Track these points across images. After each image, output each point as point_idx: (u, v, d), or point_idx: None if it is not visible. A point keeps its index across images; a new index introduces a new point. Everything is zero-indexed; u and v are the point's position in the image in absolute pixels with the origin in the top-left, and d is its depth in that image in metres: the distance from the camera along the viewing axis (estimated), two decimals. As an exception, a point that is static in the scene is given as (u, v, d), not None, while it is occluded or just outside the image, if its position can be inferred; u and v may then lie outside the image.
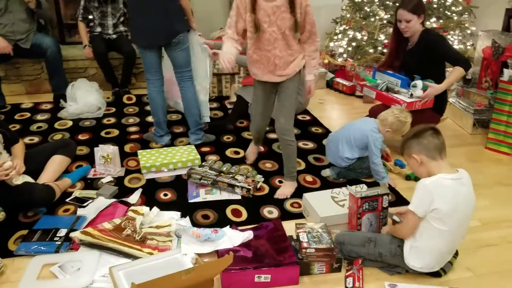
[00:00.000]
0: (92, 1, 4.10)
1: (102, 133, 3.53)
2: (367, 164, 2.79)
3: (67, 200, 2.55)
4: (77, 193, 2.62)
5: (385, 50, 4.27)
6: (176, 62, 3.14)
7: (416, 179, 2.81)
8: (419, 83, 3.10)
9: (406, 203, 2.45)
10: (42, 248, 2.12)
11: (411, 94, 3.12)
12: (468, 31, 4.62)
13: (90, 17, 4.16)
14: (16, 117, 3.82)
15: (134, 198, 2.59)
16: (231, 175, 2.75)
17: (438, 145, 1.96)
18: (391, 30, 4.27)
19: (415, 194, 1.93)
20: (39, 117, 3.81)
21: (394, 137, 2.85)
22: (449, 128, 3.75)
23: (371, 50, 4.32)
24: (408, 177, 2.94)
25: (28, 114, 3.85)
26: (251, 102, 3.51)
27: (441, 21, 4.43)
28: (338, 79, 4.59)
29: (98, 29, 4.19)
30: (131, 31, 3.24)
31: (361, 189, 2.34)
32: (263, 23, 2.33)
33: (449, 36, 4.43)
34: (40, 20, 4.12)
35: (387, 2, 4.37)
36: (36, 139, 3.37)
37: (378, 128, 2.80)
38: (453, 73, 3.10)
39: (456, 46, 4.44)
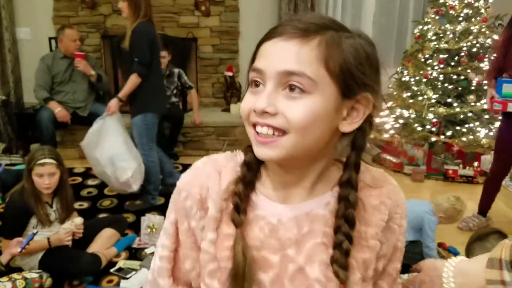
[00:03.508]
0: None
1: (148, 201, 3.57)
2: (419, 248, 2.66)
3: (112, 270, 2.56)
4: (122, 263, 2.62)
5: (433, 129, 4.21)
6: None
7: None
8: None
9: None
10: (84, 320, 2.10)
11: None
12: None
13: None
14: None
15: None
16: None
17: None
18: (440, 109, 4.24)
19: None
20: (90, 182, 3.92)
21: (446, 223, 2.75)
22: (504, 214, 3.56)
23: (419, 128, 4.28)
24: (462, 266, 2.76)
25: (79, 179, 3.97)
26: None
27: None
28: (385, 155, 4.53)
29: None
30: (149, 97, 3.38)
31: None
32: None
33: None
34: (99, 92, 4.37)
35: (436, 82, 4.37)
36: (85, 204, 3.45)
37: (433, 211, 2.71)
38: None
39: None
